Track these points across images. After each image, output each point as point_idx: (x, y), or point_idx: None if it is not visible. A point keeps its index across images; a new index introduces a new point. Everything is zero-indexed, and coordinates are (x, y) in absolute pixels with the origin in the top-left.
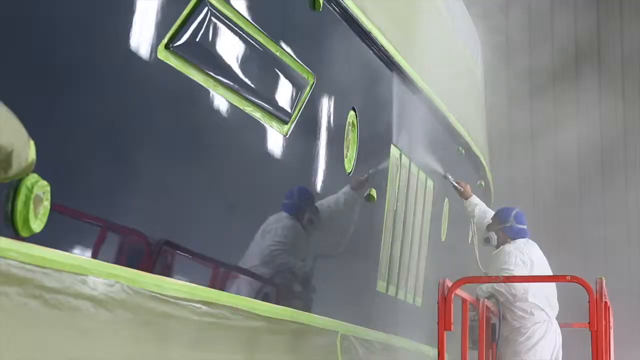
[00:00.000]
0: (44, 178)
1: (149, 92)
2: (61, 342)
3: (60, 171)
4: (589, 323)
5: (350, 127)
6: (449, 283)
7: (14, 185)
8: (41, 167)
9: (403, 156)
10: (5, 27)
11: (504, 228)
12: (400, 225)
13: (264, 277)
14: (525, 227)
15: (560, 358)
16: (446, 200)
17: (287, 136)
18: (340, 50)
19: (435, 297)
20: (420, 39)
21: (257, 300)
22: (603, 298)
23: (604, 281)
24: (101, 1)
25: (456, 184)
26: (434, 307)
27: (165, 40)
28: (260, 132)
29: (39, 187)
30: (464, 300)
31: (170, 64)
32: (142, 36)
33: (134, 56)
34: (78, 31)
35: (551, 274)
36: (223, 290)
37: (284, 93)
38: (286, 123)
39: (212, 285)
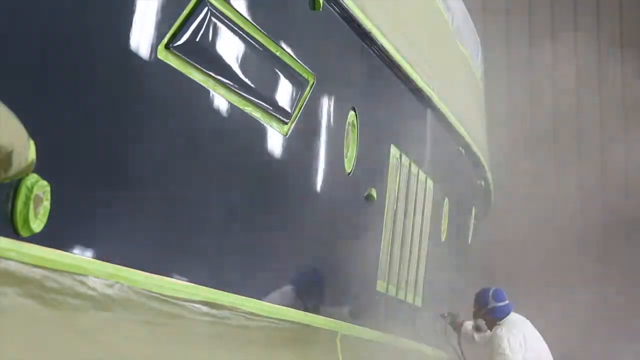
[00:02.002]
0: (44, 178)
1: (148, 92)
2: (61, 342)
3: (60, 171)
4: None
5: (350, 127)
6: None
7: (14, 185)
8: (41, 167)
9: (403, 156)
10: (5, 27)
11: (488, 311)
12: (400, 225)
13: (263, 277)
14: (506, 302)
15: None
16: (446, 200)
17: (287, 136)
18: (340, 50)
19: (435, 297)
20: (420, 39)
21: (257, 300)
22: None
23: None
24: (101, 1)
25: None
26: (434, 307)
27: (165, 40)
28: (260, 132)
29: (39, 187)
30: None
31: (170, 64)
32: (142, 36)
33: (134, 56)
34: (78, 31)
35: (544, 344)
36: (224, 290)
37: (284, 93)
38: (286, 123)
39: (213, 285)
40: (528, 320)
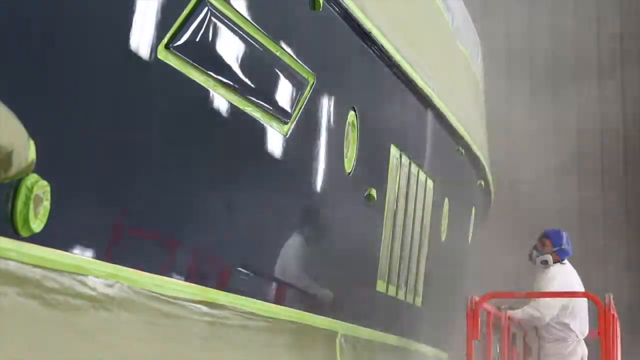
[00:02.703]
0: (44, 178)
1: (148, 92)
2: (61, 342)
3: (60, 171)
4: (597, 332)
5: (350, 127)
6: (476, 298)
7: (14, 185)
8: (41, 167)
9: (403, 156)
10: (6, 27)
11: (558, 251)
12: (400, 225)
13: (263, 277)
14: (570, 247)
15: None
16: (446, 200)
17: (287, 136)
18: (340, 50)
19: (435, 297)
20: (420, 39)
21: (257, 300)
22: (611, 310)
23: (611, 297)
24: (101, 1)
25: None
26: (434, 307)
27: (165, 40)
28: (260, 132)
29: (39, 187)
30: (488, 313)
31: (170, 64)
32: (142, 36)
33: (134, 56)
34: (78, 31)
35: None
36: (224, 290)
37: (284, 93)
38: (286, 123)
39: (213, 285)
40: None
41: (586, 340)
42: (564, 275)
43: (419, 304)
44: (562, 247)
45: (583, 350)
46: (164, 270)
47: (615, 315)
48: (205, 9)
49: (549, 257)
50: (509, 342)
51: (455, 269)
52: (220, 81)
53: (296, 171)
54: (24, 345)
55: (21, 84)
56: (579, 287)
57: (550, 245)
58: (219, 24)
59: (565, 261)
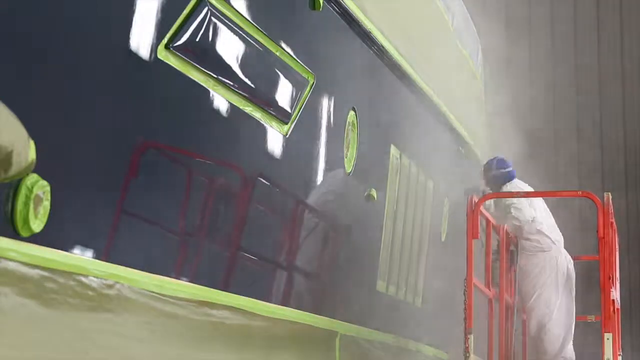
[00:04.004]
0: (44, 178)
1: (149, 92)
2: (61, 342)
3: (60, 171)
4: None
5: (350, 127)
6: (476, 198)
7: (14, 185)
8: (41, 167)
9: (403, 156)
10: (5, 27)
11: (491, 178)
12: (400, 225)
13: (263, 277)
14: (510, 169)
15: (574, 286)
16: (446, 200)
17: (287, 136)
18: (340, 50)
19: (435, 297)
20: (420, 39)
21: (257, 300)
22: (610, 210)
23: (610, 196)
24: (101, 1)
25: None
26: (434, 307)
27: (165, 40)
28: (260, 132)
29: (39, 187)
30: (488, 220)
31: (170, 64)
32: (142, 36)
33: (134, 56)
34: (78, 31)
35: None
36: (223, 290)
37: (284, 93)
38: (286, 123)
39: (213, 285)
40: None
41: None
42: (514, 188)
43: (419, 304)
44: (494, 173)
45: (566, 260)
46: (164, 270)
47: (614, 223)
48: (205, 9)
49: (486, 189)
50: (506, 257)
51: (455, 269)
52: (220, 81)
53: (296, 171)
54: (24, 345)
55: (21, 84)
56: (538, 199)
57: (485, 177)
58: (219, 24)
59: (512, 182)
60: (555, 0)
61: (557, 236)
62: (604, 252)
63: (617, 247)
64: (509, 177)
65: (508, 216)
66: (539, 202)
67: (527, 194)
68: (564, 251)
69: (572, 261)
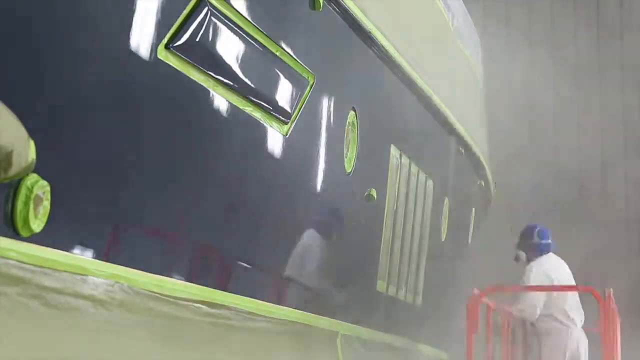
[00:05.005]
0: (44, 178)
1: (148, 92)
2: (61, 342)
3: (60, 171)
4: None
5: (350, 127)
6: (477, 292)
7: (14, 185)
8: (41, 167)
9: (403, 156)
10: (5, 27)
11: (530, 245)
12: (400, 225)
13: (263, 277)
14: (549, 241)
15: None
16: (446, 200)
17: (287, 136)
18: (340, 50)
19: (435, 297)
20: (420, 39)
21: (257, 300)
22: (611, 305)
23: (611, 291)
24: (101, 1)
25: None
26: (434, 307)
27: (165, 40)
28: (260, 132)
29: (39, 187)
30: (488, 306)
31: (170, 64)
32: (142, 36)
33: (134, 56)
34: (78, 31)
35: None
36: (223, 290)
37: (284, 93)
38: (286, 123)
39: (213, 285)
40: (564, 263)
41: (588, 333)
42: (540, 268)
43: (419, 304)
44: (534, 241)
45: (580, 338)
46: (164, 270)
47: (615, 308)
48: (205, 9)
49: (522, 254)
50: (509, 337)
51: (455, 269)
52: (220, 81)
53: (296, 171)
54: (24, 345)
55: (21, 84)
56: (564, 278)
57: (523, 241)
58: (219, 24)
59: (548, 254)
60: None
61: (573, 315)
62: (605, 342)
63: (618, 329)
64: (547, 249)
65: (514, 302)
66: (561, 279)
67: (529, 288)
68: (577, 333)
69: (586, 340)
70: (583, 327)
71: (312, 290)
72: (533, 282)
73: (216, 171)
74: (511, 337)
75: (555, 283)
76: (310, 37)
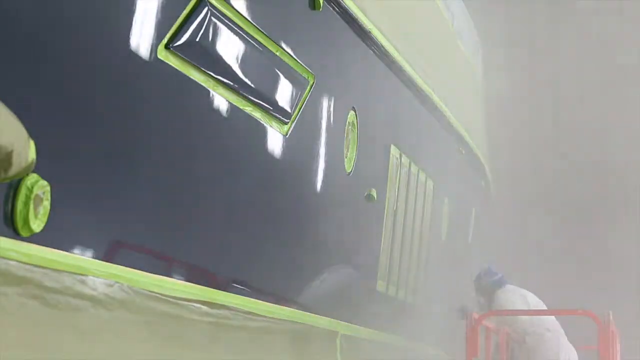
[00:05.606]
0: (44, 178)
1: (148, 92)
2: (61, 342)
3: (60, 171)
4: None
5: (350, 127)
6: (476, 315)
7: (14, 185)
8: (41, 167)
9: (403, 156)
10: (5, 27)
11: (483, 288)
12: (400, 225)
13: (263, 277)
14: (498, 276)
15: None
16: (446, 200)
17: (287, 136)
18: (340, 50)
19: (434, 297)
20: (420, 39)
21: (257, 300)
22: (610, 328)
23: (611, 315)
24: (101, 1)
25: None
26: (434, 307)
27: (165, 40)
28: (260, 132)
29: (39, 187)
30: (487, 330)
31: (170, 64)
32: (142, 36)
33: (134, 56)
34: (78, 31)
35: (542, 303)
36: (224, 290)
37: (284, 93)
38: (286, 123)
39: (213, 285)
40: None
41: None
42: (508, 292)
43: (419, 303)
44: (482, 283)
45: (568, 350)
46: (164, 270)
47: (615, 332)
48: (205, 9)
49: (480, 300)
50: (508, 357)
51: (455, 269)
52: (220, 81)
53: (296, 171)
54: (24, 345)
55: (21, 84)
56: (535, 299)
57: (478, 289)
58: (219, 24)
59: (506, 287)
60: None
61: (548, 325)
62: None
63: (618, 351)
64: (499, 284)
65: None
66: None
67: (527, 312)
68: (563, 343)
69: (574, 351)
70: (582, 346)
71: (312, 290)
72: (511, 303)
73: (216, 171)
74: (510, 355)
75: (530, 301)
76: (310, 37)
